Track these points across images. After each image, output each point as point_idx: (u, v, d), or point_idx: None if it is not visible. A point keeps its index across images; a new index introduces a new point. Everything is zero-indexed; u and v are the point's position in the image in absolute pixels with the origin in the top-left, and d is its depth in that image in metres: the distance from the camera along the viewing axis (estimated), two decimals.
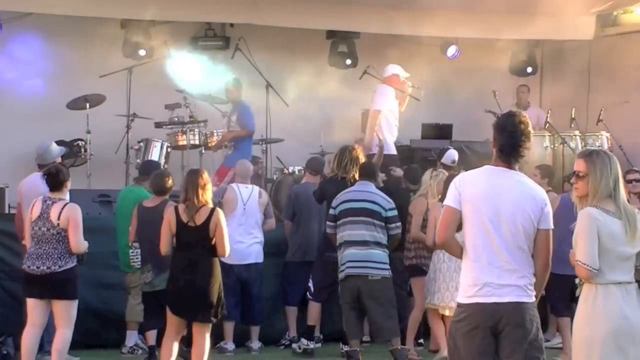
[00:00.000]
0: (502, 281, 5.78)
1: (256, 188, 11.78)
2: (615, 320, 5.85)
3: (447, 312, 10.25)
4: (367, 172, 10.84)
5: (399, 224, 10.57)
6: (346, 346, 11.00)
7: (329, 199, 10.93)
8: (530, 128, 5.98)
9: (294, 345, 11.31)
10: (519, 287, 5.80)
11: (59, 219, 9.23)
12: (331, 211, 10.61)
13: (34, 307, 9.36)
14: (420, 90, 13.89)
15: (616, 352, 5.83)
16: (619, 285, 5.89)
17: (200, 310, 8.88)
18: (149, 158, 13.15)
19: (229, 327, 11.28)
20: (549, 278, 6.02)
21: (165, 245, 9.05)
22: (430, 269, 10.56)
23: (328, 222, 10.66)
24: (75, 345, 9.83)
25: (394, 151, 13.42)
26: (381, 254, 10.40)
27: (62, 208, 9.26)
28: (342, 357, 11.05)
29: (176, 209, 8.99)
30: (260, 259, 11.57)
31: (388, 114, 13.46)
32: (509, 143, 5.91)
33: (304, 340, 11.22)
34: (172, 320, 9.03)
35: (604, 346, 5.85)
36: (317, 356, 11.25)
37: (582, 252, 5.91)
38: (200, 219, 8.86)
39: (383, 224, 10.46)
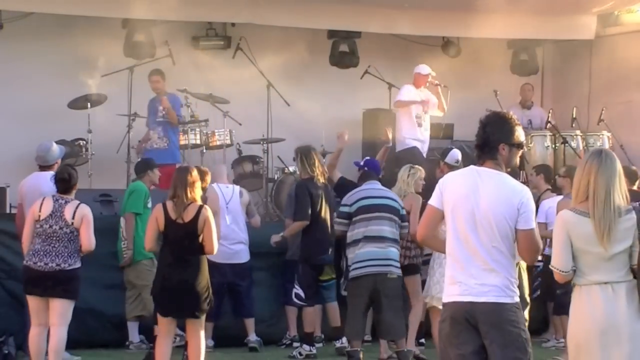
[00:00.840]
0: (478, 281, 5.77)
1: (237, 188, 11.79)
2: (597, 321, 5.81)
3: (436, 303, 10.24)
4: (372, 174, 10.78)
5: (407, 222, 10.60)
6: (338, 342, 11.09)
7: (314, 199, 10.99)
8: (509, 126, 5.92)
9: (295, 352, 11.25)
10: (498, 288, 5.77)
11: (73, 218, 9.31)
12: (345, 208, 10.45)
13: (37, 306, 9.37)
14: (447, 90, 14.01)
15: (600, 352, 5.80)
16: (604, 285, 5.83)
17: (188, 308, 8.88)
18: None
19: (208, 327, 11.26)
20: (553, 277, 6.01)
21: (150, 241, 9.07)
22: (431, 265, 10.45)
23: (340, 220, 10.49)
24: (76, 345, 9.85)
25: (411, 145, 13.67)
26: (397, 253, 10.39)
27: (76, 208, 9.37)
28: (338, 353, 11.11)
29: (164, 205, 8.98)
30: (246, 259, 11.54)
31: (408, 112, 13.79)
32: (481, 138, 5.93)
33: (305, 347, 11.17)
34: (163, 321, 9.05)
35: (587, 347, 5.83)
36: (320, 356, 11.25)
37: (553, 255, 5.91)
38: (188, 216, 8.86)
39: (400, 221, 10.45)
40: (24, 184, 10.84)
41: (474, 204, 5.81)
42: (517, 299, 5.85)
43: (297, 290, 11.23)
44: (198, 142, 13.72)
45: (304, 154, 11.24)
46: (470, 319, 5.78)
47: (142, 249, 10.88)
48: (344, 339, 11.12)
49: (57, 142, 11.49)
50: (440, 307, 9.95)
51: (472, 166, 5.98)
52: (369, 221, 10.31)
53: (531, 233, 5.82)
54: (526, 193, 5.88)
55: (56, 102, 13.63)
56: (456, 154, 11.50)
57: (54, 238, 9.31)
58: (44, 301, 9.35)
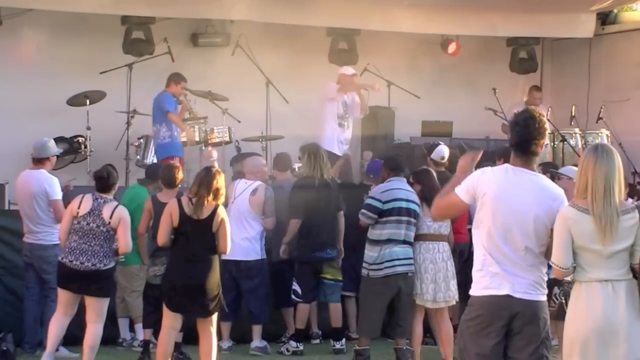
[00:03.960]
0: (513, 278, 5.80)
1: (254, 185, 11.39)
2: (595, 319, 5.78)
3: (429, 305, 10.19)
4: (399, 166, 10.61)
5: None
6: (338, 343, 11.10)
7: (309, 201, 11.01)
8: (545, 125, 5.93)
9: (282, 348, 11.28)
10: (531, 285, 5.83)
11: (110, 217, 9.39)
12: (377, 204, 10.22)
13: (68, 300, 9.51)
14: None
15: (596, 351, 5.77)
16: (604, 283, 5.80)
17: (198, 305, 8.88)
18: (149, 155, 13.17)
19: (225, 327, 11.21)
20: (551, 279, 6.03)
21: (163, 236, 9.06)
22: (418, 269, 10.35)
23: (369, 213, 10.25)
24: (73, 341, 9.86)
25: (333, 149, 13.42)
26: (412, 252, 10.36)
27: (115, 208, 9.45)
28: (335, 354, 11.11)
29: (179, 201, 9.02)
30: (251, 257, 11.20)
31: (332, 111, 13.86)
32: (521, 139, 5.91)
33: (292, 343, 11.20)
34: (169, 315, 9.03)
35: (583, 345, 5.80)
36: (315, 353, 11.26)
37: (553, 252, 5.87)
38: (204, 213, 8.89)
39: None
40: (17, 183, 10.97)
41: (512, 205, 5.82)
42: (546, 297, 5.92)
43: (295, 287, 11.25)
44: (197, 139, 13.72)
45: (311, 152, 11.21)
46: (506, 316, 5.79)
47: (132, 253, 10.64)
48: (344, 341, 11.16)
49: (56, 139, 11.53)
50: (429, 306, 10.06)
51: (507, 165, 5.96)
52: (398, 224, 10.18)
53: None
54: (564, 196, 5.97)
55: (55, 99, 13.63)
56: (442, 151, 11.46)
57: (91, 236, 9.40)
58: (77, 297, 9.51)
